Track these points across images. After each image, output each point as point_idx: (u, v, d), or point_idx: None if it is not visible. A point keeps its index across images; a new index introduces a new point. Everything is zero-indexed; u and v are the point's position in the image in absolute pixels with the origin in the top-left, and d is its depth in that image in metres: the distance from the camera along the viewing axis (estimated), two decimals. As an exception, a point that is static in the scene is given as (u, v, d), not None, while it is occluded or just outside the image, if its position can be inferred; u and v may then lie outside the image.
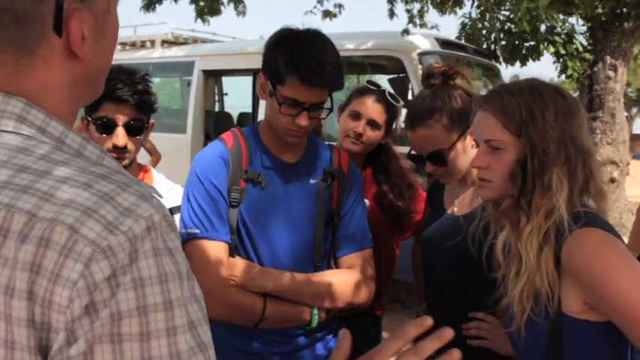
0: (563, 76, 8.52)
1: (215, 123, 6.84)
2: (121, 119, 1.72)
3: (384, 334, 2.39)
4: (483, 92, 1.55)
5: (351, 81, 6.01)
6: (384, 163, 2.33)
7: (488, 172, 1.39)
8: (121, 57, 7.17)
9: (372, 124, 2.20)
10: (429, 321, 0.81)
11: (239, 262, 1.63)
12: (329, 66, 1.56)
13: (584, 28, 8.11)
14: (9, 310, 0.58)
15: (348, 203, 1.78)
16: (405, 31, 5.70)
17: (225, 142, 1.70)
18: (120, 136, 1.72)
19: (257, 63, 1.76)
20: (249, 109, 7.03)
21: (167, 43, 7.54)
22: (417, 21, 7.26)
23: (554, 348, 1.30)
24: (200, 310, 0.65)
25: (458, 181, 1.85)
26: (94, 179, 0.62)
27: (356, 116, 2.21)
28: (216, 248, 1.60)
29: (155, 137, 4.77)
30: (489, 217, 1.49)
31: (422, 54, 5.23)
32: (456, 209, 1.83)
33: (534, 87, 1.38)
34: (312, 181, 1.73)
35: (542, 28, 8.54)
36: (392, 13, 7.27)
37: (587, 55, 8.13)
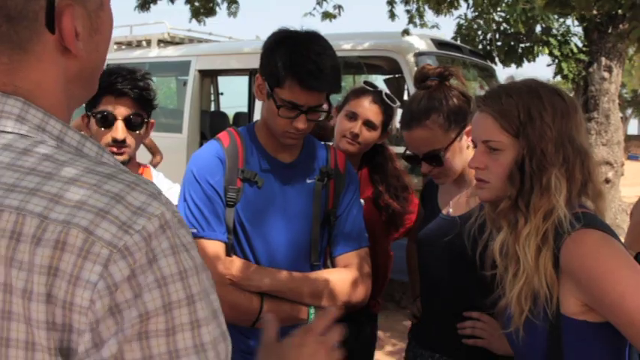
0: (558, 77, 8.54)
1: (211, 122, 6.83)
2: (121, 113, 1.74)
3: (380, 333, 2.39)
4: (479, 93, 1.55)
5: (348, 81, 6.01)
6: (380, 164, 2.33)
7: (486, 173, 1.39)
8: (117, 56, 7.17)
9: (369, 124, 2.20)
10: (333, 312, 0.97)
11: (236, 262, 1.63)
12: (328, 70, 1.55)
13: (580, 30, 8.14)
14: (28, 313, 0.59)
15: (344, 203, 1.78)
16: (405, 32, 5.70)
17: (221, 142, 1.69)
18: (119, 130, 1.74)
19: (253, 63, 1.76)
20: (245, 109, 7.02)
21: (163, 42, 7.53)
22: (417, 21, 7.25)
23: (552, 349, 1.30)
24: (217, 300, 0.67)
25: (452, 182, 1.85)
26: (103, 179, 0.62)
27: (352, 117, 2.21)
28: (213, 247, 1.60)
29: (151, 137, 4.76)
30: (486, 218, 1.49)
31: (418, 54, 5.24)
32: (451, 210, 1.82)
33: (532, 88, 1.37)
34: (308, 181, 1.73)
35: (538, 29, 8.57)
36: (392, 15, 7.25)
37: (583, 57, 8.16)
